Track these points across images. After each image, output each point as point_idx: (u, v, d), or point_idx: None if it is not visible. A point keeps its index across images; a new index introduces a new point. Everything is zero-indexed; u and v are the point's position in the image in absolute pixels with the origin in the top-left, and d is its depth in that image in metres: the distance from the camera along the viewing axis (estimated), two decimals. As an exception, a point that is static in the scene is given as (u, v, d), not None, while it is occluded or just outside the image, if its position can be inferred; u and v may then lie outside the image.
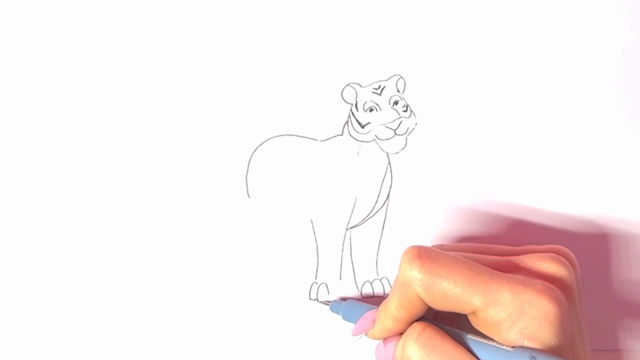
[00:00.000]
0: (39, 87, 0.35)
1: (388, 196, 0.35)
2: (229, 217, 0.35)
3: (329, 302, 0.35)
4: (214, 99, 0.35)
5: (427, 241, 0.35)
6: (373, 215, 0.35)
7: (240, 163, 0.35)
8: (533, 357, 0.24)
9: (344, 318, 0.33)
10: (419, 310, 0.28)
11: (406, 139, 0.35)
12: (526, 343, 0.25)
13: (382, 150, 0.35)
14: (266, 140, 0.35)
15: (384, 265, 0.35)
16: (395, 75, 0.35)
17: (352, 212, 0.35)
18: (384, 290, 0.35)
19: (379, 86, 0.35)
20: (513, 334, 0.25)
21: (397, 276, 0.28)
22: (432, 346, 0.27)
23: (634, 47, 0.36)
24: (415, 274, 0.27)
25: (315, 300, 0.35)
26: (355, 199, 0.35)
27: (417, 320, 0.29)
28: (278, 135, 0.35)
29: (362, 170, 0.35)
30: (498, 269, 0.27)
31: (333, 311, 0.34)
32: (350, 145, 0.35)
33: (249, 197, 0.35)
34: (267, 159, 0.35)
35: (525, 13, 0.35)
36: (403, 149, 0.35)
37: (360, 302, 0.33)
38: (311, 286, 0.35)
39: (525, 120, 0.35)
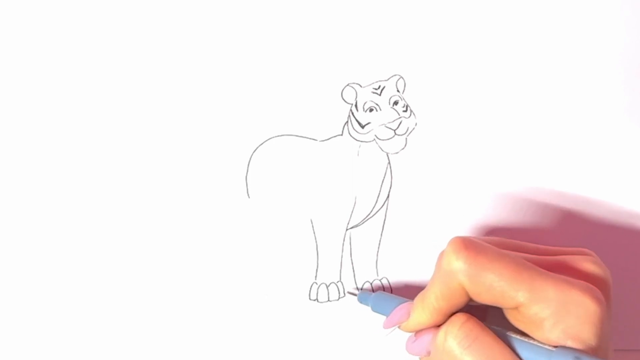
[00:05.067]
0: (38, 87, 0.35)
1: (388, 196, 0.35)
2: (229, 217, 0.35)
3: (357, 292, 0.35)
4: (214, 99, 0.35)
5: (428, 241, 0.35)
6: (373, 215, 0.35)
7: (240, 163, 0.35)
8: (577, 357, 0.24)
9: (374, 309, 0.33)
10: (459, 302, 0.28)
11: (406, 139, 0.35)
12: (569, 343, 0.25)
13: (382, 150, 0.35)
14: (266, 140, 0.35)
15: (384, 265, 0.35)
16: (395, 75, 0.35)
17: (352, 212, 0.35)
18: (384, 291, 0.35)
19: (379, 86, 0.35)
20: (556, 333, 0.26)
21: (440, 266, 0.28)
22: (474, 338, 0.27)
23: (633, 46, 0.36)
24: (461, 265, 0.26)
25: (315, 300, 0.35)
26: (355, 199, 0.35)
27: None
28: (278, 135, 0.35)
29: (362, 170, 0.35)
30: (540, 266, 0.27)
31: (361, 302, 0.34)
32: (350, 145, 0.35)
33: (249, 197, 0.35)
34: (267, 159, 0.35)
35: (525, 13, 0.35)
36: (403, 149, 0.35)
37: (392, 295, 0.33)
38: (311, 286, 0.35)
39: (526, 120, 0.35)
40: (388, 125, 0.35)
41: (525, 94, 0.35)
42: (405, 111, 0.35)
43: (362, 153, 0.35)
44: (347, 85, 0.35)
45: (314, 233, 0.35)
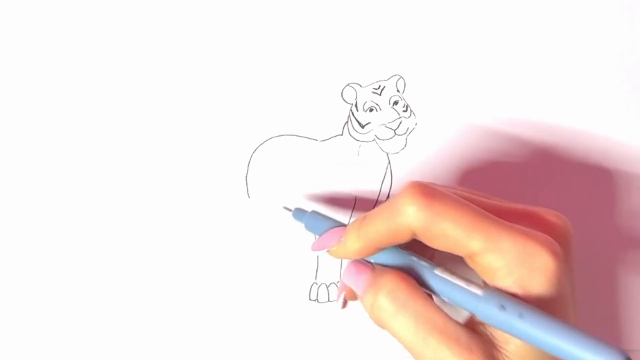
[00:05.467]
0: (37, 87, 0.35)
1: (388, 196, 0.35)
2: (229, 217, 0.35)
3: (291, 209, 0.33)
4: (214, 99, 0.35)
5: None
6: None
7: (240, 163, 0.35)
8: (502, 306, 0.24)
9: (307, 228, 0.32)
10: (400, 240, 0.27)
11: (406, 139, 0.35)
12: (518, 293, 0.24)
13: (382, 150, 0.35)
14: (266, 140, 0.35)
15: (384, 265, 0.35)
16: (395, 75, 0.35)
17: (352, 212, 0.35)
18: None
19: (379, 86, 0.35)
20: (507, 283, 0.25)
21: (391, 203, 0.26)
22: (403, 304, 0.26)
23: (633, 46, 0.36)
24: (416, 210, 0.25)
25: (315, 300, 0.35)
26: (355, 199, 0.35)
27: (384, 248, 0.28)
28: (278, 135, 0.35)
29: (362, 170, 0.35)
30: (500, 216, 0.26)
31: (295, 219, 0.33)
32: (350, 145, 0.35)
33: (249, 197, 0.35)
34: (267, 159, 0.35)
35: (525, 13, 0.36)
36: (403, 149, 0.35)
37: (325, 215, 0.31)
38: (311, 286, 0.35)
39: (526, 120, 0.36)
40: (388, 125, 0.35)
41: (526, 94, 0.36)
42: (405, 111, 0.35)
43: (362, 153, 0.35)
44: (347, 85, 0.35)
45: (314, 233, 0.35)
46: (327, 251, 0.30)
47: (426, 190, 0.26)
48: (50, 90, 0.35)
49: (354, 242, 0.28)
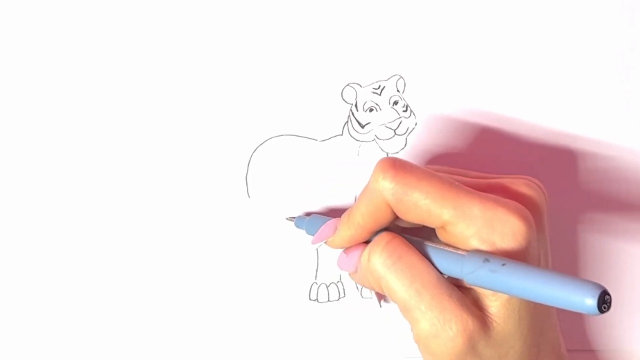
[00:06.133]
0: (37, 87, 0.35)
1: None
2: (229, 217, 0.35)
3: (294, 218, 0.34)
4: (214, 99, 0.35)
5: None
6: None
7: (240, 163, 0.35)
8: (486, 259, 0.24)
9: (308, 232, 0.33)
10: (384, 219, 0.28)
11: (406, 139, 0.35)
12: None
13: (382, 150, 0.35)
14: (266, 140, 0.35)
15: (384, 265, 0.35)
16: (395, 75, 0.35)
17: (352, 212, 0.35)
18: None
19: (379, 86, 0.35)
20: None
21: (367, 184, 0.28)
22: (398, 257, 0.27)
23: (633, 46, 0.36)
24: (387, 183, 0.26)
25: (315, 300, 0.35)
26: (355, 198, 0.35)
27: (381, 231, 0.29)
28: (278, 135, 0.35)
29: (362, 170, 0.35)
30: (473, 188, 0.27)
31: (298, 227, 0.34)
32: (350, 145, 0.35)
33: (249, 197, 0.35)
34: (267, 159, 0.35)
35: (526, 12, 0.36)
36: (403, 149, 0.35)
37: (324, 216, 0.33)
38: (311, 286, 0.35)
39: (526, 120, 0.36)
40: (388, 125, 0.35)
41: (526, 94, 0.36)
42: (405, 111, 0.35)
43: (362, 153, 0.35)
44: (347, 85, 0.35)
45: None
46: (326, 242, 0.31)
47: (395, 164, 0.27)
48: (50, 90, 0.35)
49: (346, 230, 0.29)
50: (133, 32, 0.35)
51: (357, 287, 0.35)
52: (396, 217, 0.28)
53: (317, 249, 0.35)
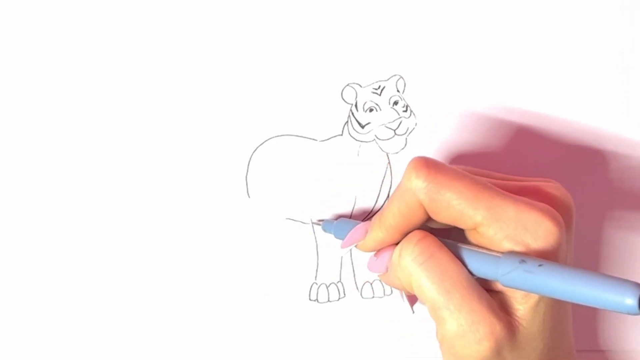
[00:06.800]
0: (37, 87, 0.35)
1: (388, 196, 0.35)
2: (229, 217, 0.35)
3: (322, 221, 0.34)
4: (214, 99, 0.35)
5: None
6: (373, 216, 0.35)
7: (240, 163, 0.35)
8: (523, 260, 0.24)
9: (336, 236, 0.33)
10: (416, 219, 0.27)
11: (406, 139, 0.35)
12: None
13: (382, 150, 0.35)
14: (266, 140, 0.35)
15: (384, 265, 0.35)
16: (395, 75, 0.35)
17: (352, 212, 0.35)
18: (384, 291, 0.35)
19: (379, 86, 0.35)
20: None
21: (399, 184, 0.27)
22: (429, 255, 0.27)
23: (633, 46, 0.36)
24: (421, 182, 0.26)
25: (315, 300, 0.35)
26: (355, 198, 0.35)
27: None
28: (278, 135, 0.35)
29: (362, 170, 0.35)
30: (502, 189, 0.27)
31: (325, 231, 0.34)
32: (350, 145, 0.35)
33: (249, 197, 0.35)
34: (267, 159, 0.35)
35: (526, 12, 0.36)
36: (403, 149, 0.35)
37: (353, 219, 0.33)
38: (311, 287, 0.35)
39: (526, 120, 0.36)
40: (388, 125, 0.35)
41: (526, 94, 0.36)
42: (405, 111, 0.35)
43: (362, 153, 0.35)
44: (347, 85, 0.35)
45: (314, 233, 0.35)
46: (356, 246, 0.30)
47: (428, 163, 0.26)
48: (50, 90, 0.35)
49: (378, 232, 0.29)
50: (133, 33, 0.35)
51: (357, 288, 0.35)
52: (428, 218, 0.27)
53: (317, 249, 0.35)
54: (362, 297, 0.35)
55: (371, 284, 0.35)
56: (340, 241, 0.32)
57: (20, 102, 0.35)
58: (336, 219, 0.34)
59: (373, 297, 0.35)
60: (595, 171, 0.36)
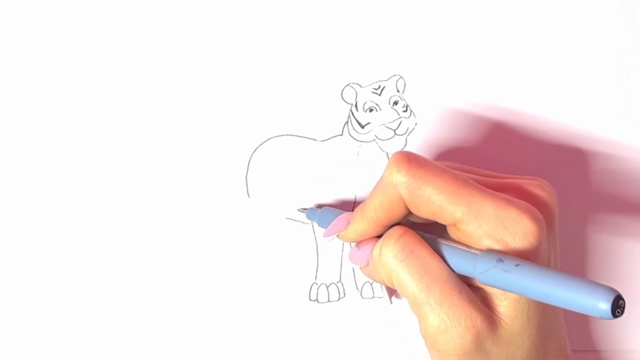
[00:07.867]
0: (37, 87, 0.35)
1: (388, 196, 0.35)
2: (229, 217, 0.35)
3: (305, 209, 0.34)
4: (214, 99, 0.35)
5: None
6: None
7: (240, 163, 0.35)
8: (500, 259, 0.24)
9: (319, 224, 0.33)
10: (397, 214, 0.27)
11: (406, 139, 0.35)
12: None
13: (382, 150, 0.35)
14: (266, 140, 0.35)
15: (384, 265, 0.35)
16: (395, 75, 0.35)
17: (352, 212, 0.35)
18: (384, 292, 0.35)
19: (379, 86, 0.35)
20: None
21: (381, 178, 0.27)
22: (410, 251, 0.27)
23: (633, 46, 0.36)
24: (402, 177, 0.26)
25: (315, 300, 0.35)
26: (355, 198, 0.35)
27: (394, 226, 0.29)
28: (278, 135, 0.35)
29: (362, 170, 0.35)
30: (486, 187, 0.27)
31: (309, 218, 0.34)
32: (350, 145, 0.35)
33: (249, 197, 0.35)
34: (267, 159, 0.35)
35: (526, 12, 0.36)
36: (403, 149, 0.35)
37: (336, 209, 0.33)
38: (311, 287, 0.35)
39: (526, 120, 0.36)
40: (388, 125, 0.35)
41: (526, 94, 0.36)
42: (405, 111, 0.35)
43: (362, 153, 0.35)
44: (347, 85, 0.35)
45: (314, 233, 0.35)
46: (338, 236, 0.31)
47: (410, 158, 0.26)
48: (50, 90, 0.35)
49: (359, 224, 0.29)
50: (133, 33, 0.35)
51: (357, 288, 0.35)
52: (409, 212, 0.28)
53: (317, 249, 0.35)
54: (362, 297, 0.35)
55: (371, 284, 0.35)
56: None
57: (20, 102, 0.35)
58: (319, 207, 0.34)
59: (373, 297, 0.35)
60: (596, 172, 0.36)
